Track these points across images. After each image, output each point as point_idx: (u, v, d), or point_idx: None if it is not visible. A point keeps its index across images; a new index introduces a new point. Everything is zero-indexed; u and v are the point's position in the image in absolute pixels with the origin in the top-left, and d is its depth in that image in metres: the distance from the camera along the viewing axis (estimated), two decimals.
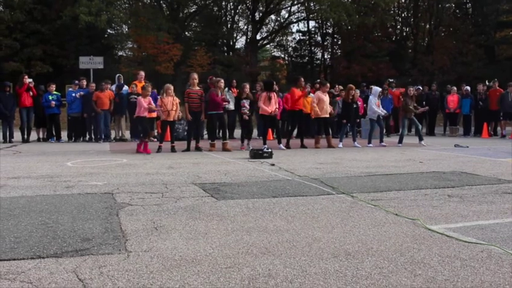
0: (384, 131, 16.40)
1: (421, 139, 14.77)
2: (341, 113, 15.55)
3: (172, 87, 12.98)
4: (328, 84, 14.77)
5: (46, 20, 37.27)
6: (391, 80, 20.48)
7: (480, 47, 38.97)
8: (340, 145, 14.27)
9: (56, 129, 17.09)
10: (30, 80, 17.02)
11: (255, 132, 17.08)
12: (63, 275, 3.44)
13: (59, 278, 3.38)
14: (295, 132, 16.72)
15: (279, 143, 13.74)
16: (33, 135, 17.04)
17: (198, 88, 13.15)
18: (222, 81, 13.53)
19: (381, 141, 14.81)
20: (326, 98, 14.24)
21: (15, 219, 5.04)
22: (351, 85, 15.21)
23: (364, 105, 16.65)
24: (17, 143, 15.71)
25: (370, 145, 14.50)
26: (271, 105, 13.25)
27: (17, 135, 16.54)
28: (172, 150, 12.69)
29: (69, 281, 3.32)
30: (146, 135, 12.83)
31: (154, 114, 13.59)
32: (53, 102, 16.46)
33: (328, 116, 14.26)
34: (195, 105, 12.90)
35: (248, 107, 13.84)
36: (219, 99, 12.96)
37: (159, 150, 12.65)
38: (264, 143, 12.84)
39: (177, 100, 12.91)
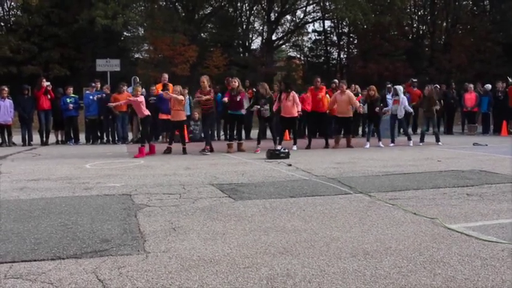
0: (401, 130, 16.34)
1: (437, 140, 14.65)
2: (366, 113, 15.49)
3: (178, 89, 12.94)
4: (343, 85, 14.59)
5: (63, 23, 37.63)
6: (414, 80, 20.38)
7: (498, 44, 38.53)
8: (367, 146, 14.13)
9: (74, 132, 17.22)
10: (48, 83, 17.17)
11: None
12: (83, 275, 3.47)
13: (79, 278, 3.41)
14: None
15: (295, 143, 13.69)
16: (52, 138, 17.20)
17: (207, 89, 12.81)
18: (235, 80, 13.33)
19: (392, 141, 14.70)
20: (342, 98, 14.11)
21: (35, 221, 5.10)
22: (371, 86, 15.06)
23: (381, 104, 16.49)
24: (36, 146, 15.86)
25: (392, 144, 14.45)
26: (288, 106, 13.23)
27: (36, 138, 16.70)
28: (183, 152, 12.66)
29: (89, 282, 3.35)
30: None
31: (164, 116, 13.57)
32: (71, 105, 16.58)
33: (346, 116, 14.14)
34: (203, 106, 12.84)
35: (266, 107, 13.26)
36: (230, 98, 12.93)
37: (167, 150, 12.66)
38: (279, 143, 12.80)
39: (183, 99, 12.83)
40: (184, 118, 13.10)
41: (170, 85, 16.15)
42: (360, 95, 17.46)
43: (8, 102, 15.86)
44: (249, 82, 18.78)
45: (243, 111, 13.15)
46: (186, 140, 16.55)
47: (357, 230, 4.63)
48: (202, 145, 13.22)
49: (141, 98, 12.48)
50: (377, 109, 14.39)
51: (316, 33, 49.01)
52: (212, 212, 5.49)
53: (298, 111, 13.21)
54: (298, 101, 13.45)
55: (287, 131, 15.19)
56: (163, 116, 13.15)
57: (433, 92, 15.31)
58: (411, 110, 15.25)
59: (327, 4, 42.20)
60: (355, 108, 14.44)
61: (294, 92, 13.73)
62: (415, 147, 13.97)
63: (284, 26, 47.73)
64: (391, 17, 37.91)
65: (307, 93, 15.09)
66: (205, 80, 12.88)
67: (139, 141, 13.33)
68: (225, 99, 12.93)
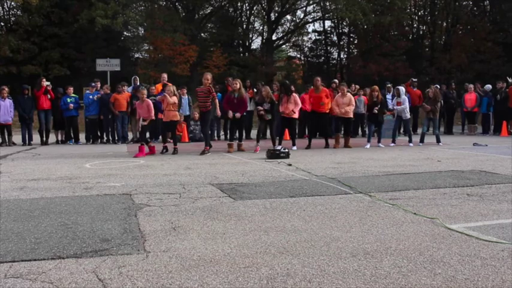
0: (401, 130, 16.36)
1: (438, 141, 14.65)
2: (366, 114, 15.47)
3: (171, 88, 12.87)
4: (343, 87, 14.59)
5: (63, 23, 37.64)
6: (414, 80, 20.41)
7: (498, 44, 38.53)
8: (368, 146, 14.12)
9: (74, 132, 17.23)
10: (48, 83, 17.19)
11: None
12: (83, 275, 3.47)
13: (79, 278, 3.41)
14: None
15: (294, 144, 13.66)
16: (52, 138, 17.20)
17: (207, 87, 12.60)
18: (236, 82, 13.27)
19: (392, 141, 14.74)
20: (343, 101, 14.10)
21: (35, 221, 5.10)
22: (375, 86, 15.02)
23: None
24: (36, 146, 15.86)
25: (392, 144, 14.48)
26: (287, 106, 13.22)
27: (36, 137, 16.71)
28: (168, 151, 12.66)
29: (89, 281, 3.35)
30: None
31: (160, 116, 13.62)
32: (71, 105, 16.60)
33: (347, 116, 14.14)
34: (201, 104, 12.78)
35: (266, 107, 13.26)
36: (231, 101, 12.90)
37: (170, 151, 12.67)
38: (280, 143, 12.80)
39: (175, 100, 12.75)
40: (177, 118, 13.01)
41: (169, 84, 16.17)
42: (356, 95, 17.47)
43: (8, 102, 15.86)
44: (250, 82, 18.76)
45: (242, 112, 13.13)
46: (186, 140, 16.63)
47: (357, 230, 4.63)
48: (202, 145, 13.21)
49: (147, 103, 12.43)
50: (384, 112, 14.48)
51: (316, 33, 49.06)
52: (212, 211, 5.49)
53: (292, 109, 13.17)
54: (299, 101, 13.49)
55: (287, 130, 15.17)
56: (162, 115, 13.18)
57: (438, 93, 15.31)
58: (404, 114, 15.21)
59: (327, 4, 42.16)
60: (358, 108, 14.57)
61: (295, 94, 13.76)
62: (415, 147, 13.97)
63: (284, 26, 47.77)
64: (391, 17, 37.89)
65: (307, 94, 15.06)
66: (209, 78, 12.77)
67: (138, 141, 13.36)
68: (238, 114, 12.88)
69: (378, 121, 14.47)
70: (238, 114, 12.78)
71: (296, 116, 13.47)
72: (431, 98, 14.97)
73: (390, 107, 15.27)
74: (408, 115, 14.80)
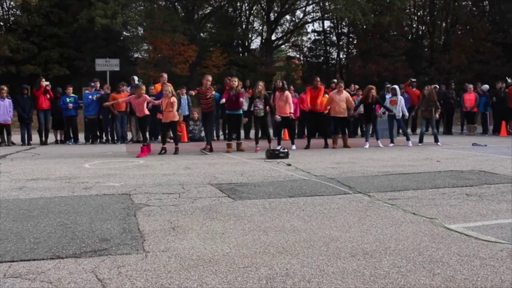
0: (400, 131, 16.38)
1: (436, 140, 14.66)
2: (363, 114, 15.49)
3: (169, 88, 12.87)
4: (341, 84, 14.63)
5: (63, 23, 37.63)
6: (413, 80, 20.41)
7: (498, 44, 38.53)
8: (367, 145, 14.13)
9: (74, 132, 17.23)
10: (47, 82, 17.20)
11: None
12: (82, 275, 3.47)
13: (78, 278, 3.41)
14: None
15: (293, 143, 13.68)
16: (51, 138, 17.19)
17: (208, 88, 12.91)
18: (234, 79, 13.34)
19: (391, 141, 14.76)
20: (339, 98, 14.12)
21: (34, 220, 5.09)
22: (371, 86, 15.04)
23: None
24: (35, 145, 15.86)
25: (391, 144, 14.49)
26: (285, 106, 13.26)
27: (35, 137, 16.70)
28: (166, 153, 12.64)
29: (88, 281, 3.35)
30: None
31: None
32: (71, 105, 16.60)
33: (341, 116, 14.16)
34: (204, 105, 12.90)
35: (261, 106, 13.35)
36: (229, 98, 12.94)
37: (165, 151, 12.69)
38: (279, 143, 12.81)
39: (174, 101, 12.76)
40: (176, 119, 12.99)
41: (169, 84, 16.15)
42: (355, 95, 17.46)
43: (8, 101, 15.87)
44: (249, 82, 18.76)
45: (244, 108, 13.18)
46: (186, 140, 16.63)
47: (356, 230, 4.63)
48: (201, 145, 13.23)
49: (144, 98, 12.40)
50: (380, 112, 14.50)
51: (315, 33, 49.04)
52: (211, 211, 5.48)
53: (290, 112, 13.20)
54: (291, 101, 13.51)
55: (286, 130, 15.17)
56: (161, 116, 13.21)
57: (433, 93, 15.30)
58: (407, 114, 15.29)
59: (327, 4, 42.19)
60: (351, 111, 14.59)
61: (288, 93, 13.76)
62: (414, 147, 13.97)
63: (283, 26, 47.76)
64: (390, 18, 37.89)
65: (306, 94, 15.06)
66: (210, 79, 13.05)
67: (140, 141, 13.39)
68: (223, 100, 12.94)
69: (374, 119, 14.49)
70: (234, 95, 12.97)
71: (292, 115, 13.53)
72: (426, 97, 14.98)
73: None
74: (400, 114, 14.79)
